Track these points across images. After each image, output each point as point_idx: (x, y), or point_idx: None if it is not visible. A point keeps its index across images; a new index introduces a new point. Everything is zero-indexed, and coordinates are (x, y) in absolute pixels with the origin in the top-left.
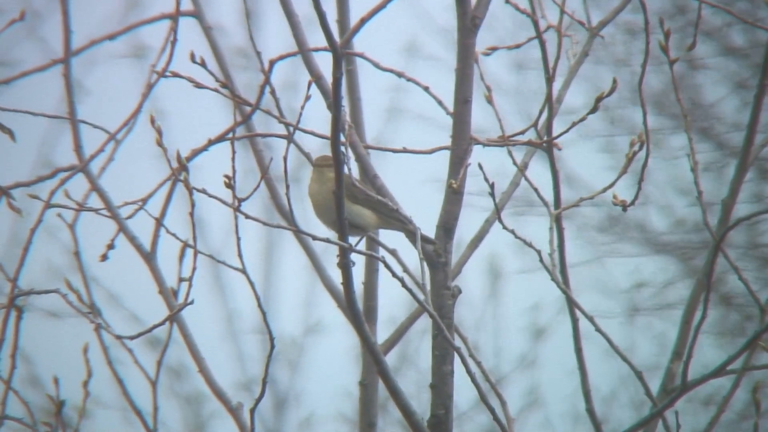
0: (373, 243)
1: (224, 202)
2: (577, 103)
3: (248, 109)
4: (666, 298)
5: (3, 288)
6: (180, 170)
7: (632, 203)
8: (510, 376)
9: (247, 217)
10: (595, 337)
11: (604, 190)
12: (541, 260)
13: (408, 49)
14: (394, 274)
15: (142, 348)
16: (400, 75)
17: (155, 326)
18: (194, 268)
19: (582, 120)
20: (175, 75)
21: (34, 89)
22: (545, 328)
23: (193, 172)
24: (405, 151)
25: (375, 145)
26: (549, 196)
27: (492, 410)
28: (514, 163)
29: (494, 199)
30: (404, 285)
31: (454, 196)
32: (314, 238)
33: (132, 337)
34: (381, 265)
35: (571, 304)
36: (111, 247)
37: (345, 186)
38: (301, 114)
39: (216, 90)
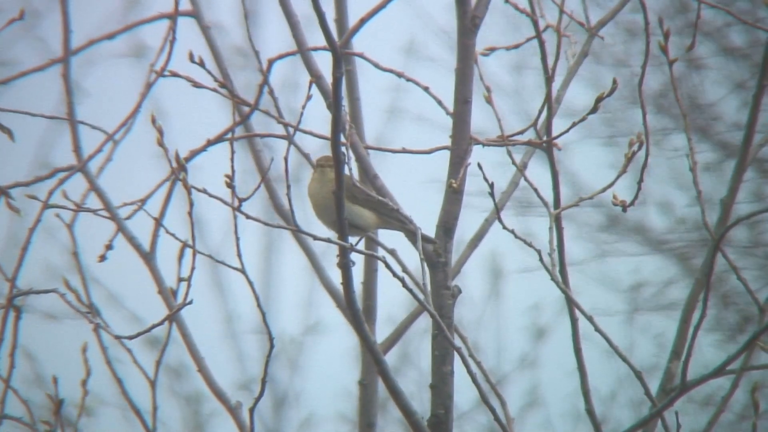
0: (373, 243)
1: (225, 202)
2: (577, 103)
3: (247, 109)
4: (665, 297)
5: (2, 288)
6: (179, 170)
7: (632, 203)
8: (510, 376)
9: (248, 217)
10: (594, 337)
11: (604, 189)
12: (541, 260)
13: (408, 50)
14: (394, 274)
15: (141, 348)
16: (399, 75)
17: (154, 326)
18: (193, 268)
19: (582, 120)
20: (174, 75)
21: (33, 89)
22: (545, 328)
23: (193, 172)
24: (405, 151)
25: (375, 145)
26: (549, 196)
27: (492, 410)
28: (514, 163)
29: (494, 199)
30: (405, 285)
31: (454, 196)
32: (314, 238)
33: (131, 337)
34: (380, 265)
35: (571, 304)
36: (110, 247)
37: (345, 186)
38: (301, 114)
39: (215, 90)
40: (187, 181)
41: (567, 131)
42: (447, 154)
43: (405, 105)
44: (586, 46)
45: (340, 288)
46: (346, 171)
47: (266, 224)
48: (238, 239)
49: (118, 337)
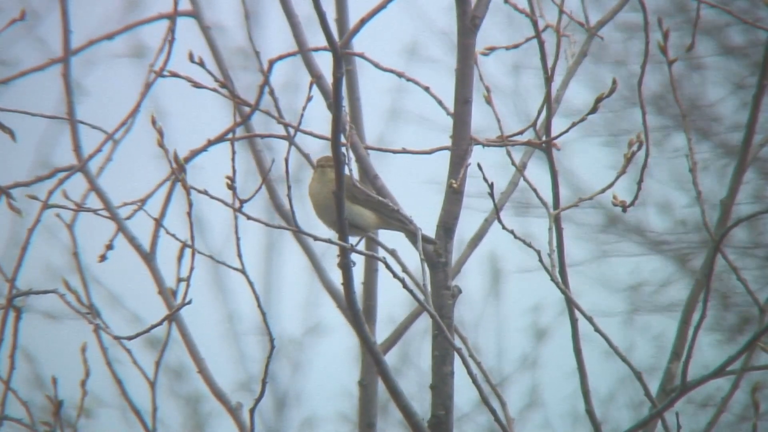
0: (373, 243)
1: (225, 203)
2: (577, 103)
3: (248, 109)
4: (665, 298)
5: (1, 288)
6: (179, 170)
7: (632, 204)
8: (510, 376)
9: (249, 218)
10: (594, 337)
11: (604, 190)
12: (541, 260)
13: (408, 51)
14: (395, 275)
15: (141, 348)
16: (400, 75)
17: (153, 326)
18: (192, 268)
19: (581, 120)
20: (174, 75)
21: (33, 89)
22: (546, 329)
23: (193, 172)
24: (405, 151)
25: (375, 145)
26: (548, 197)
27: (493, 411)
28: (513, 163)
29: (493, 199)
30: (405, 285)
31: (454, 196)
32: (315, 238)
33: (130, 338)
34: (380, 265)
35: (571, 305)
36: (110, 247)
37: (345, 186)
38: (302, 115)
39: (215, 90)
40: (186, 181)
41: (566, 131)
42: (447, 154)
43: (405, 105)
44: (585, 46)
45: (341, 288)
46: (347, 171)
47: (267, 225)
48: (238, 239)
49: (117, 338)
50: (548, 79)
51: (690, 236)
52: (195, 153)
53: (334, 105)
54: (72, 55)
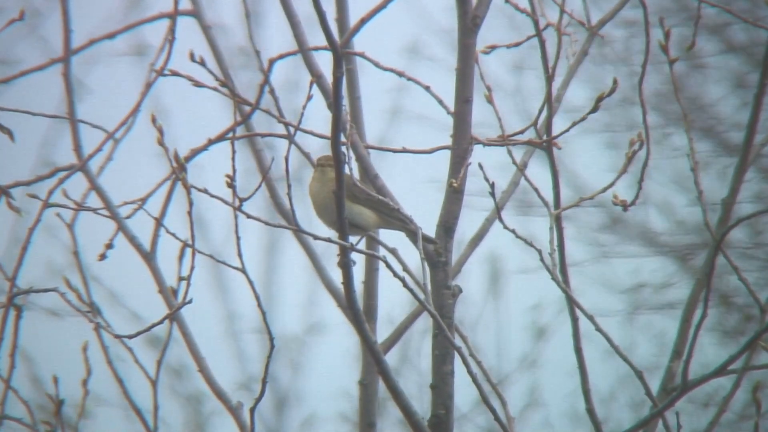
0: (373, 242)
1: (225, 202)
2: (577, 102)
3: (248, 108)
4: (666, 297)
5: (2, 287)
6: (179, 170)
7: (633, 203)
8: (511, 376)
9: (249, 216)
10: (595, 336)
11: (604, 189)
12: (542, 260)
13: (408, 50)
14: (395, 274)
15: (142, 347)
16: (400, 74)
17: (154, 325)
18: (192, 267)
19: (582, 120)
20: (175, 74)
21: (34, 88)
22: (546, 328)
23: (194, 171)
24: (405, 150)
25: (375, 144)
26: (549, 196)
27: (493, 410)
28: (514, 162)
29: (494, 199)
30: (405, 285)
31: (454, 195)
32: (315, 237)
33: (131, 336)
34: (381, 265)
35: (571, 304)
36: (110, 246)
37: (346, 186)
38: (302, 114)
39: (215, 89)
40: (186, 180)
41: (567, 131)
42: (448, 153)
43: (406, 104)
44: (586, 45)
45: (341, 287)
46: (347, 170)
47: (267, 224)
48: (238, 239)
49: (118, 337)
50: (549, 78)
51: (691, 236)
52: (195, 152)
53: (334, 104)
54: (73, 55)
